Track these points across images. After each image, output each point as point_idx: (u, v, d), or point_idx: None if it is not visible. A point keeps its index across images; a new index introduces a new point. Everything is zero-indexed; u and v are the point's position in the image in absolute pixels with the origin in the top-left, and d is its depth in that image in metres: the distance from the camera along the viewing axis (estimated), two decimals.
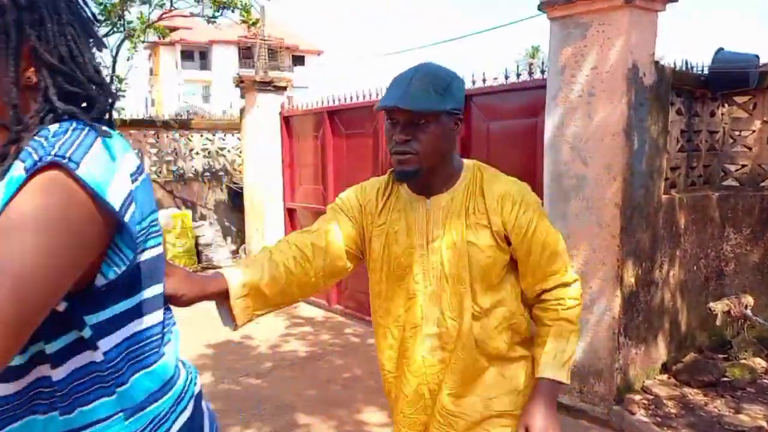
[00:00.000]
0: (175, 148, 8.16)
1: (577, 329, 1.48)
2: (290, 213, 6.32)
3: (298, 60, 39.59)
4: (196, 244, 7.82)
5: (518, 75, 4.00)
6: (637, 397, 3.49)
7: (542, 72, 3.79)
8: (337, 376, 4.12)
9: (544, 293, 1.47)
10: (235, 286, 1.38)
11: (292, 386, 3.96)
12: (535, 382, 1.47)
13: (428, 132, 1.36)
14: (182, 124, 8.28)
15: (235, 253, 8.11)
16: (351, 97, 5.31)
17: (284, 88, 6.29)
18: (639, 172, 3.37)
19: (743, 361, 3.86)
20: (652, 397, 3.53)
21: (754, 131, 4.20)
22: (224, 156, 8.60)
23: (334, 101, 5.53)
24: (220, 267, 7.70)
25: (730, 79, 3.95)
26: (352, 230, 1.51)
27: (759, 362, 3.88)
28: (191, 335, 5.05)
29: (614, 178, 3.27)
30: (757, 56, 4.01)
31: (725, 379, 3.68)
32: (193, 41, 36.29)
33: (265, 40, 6.43)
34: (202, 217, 8.25)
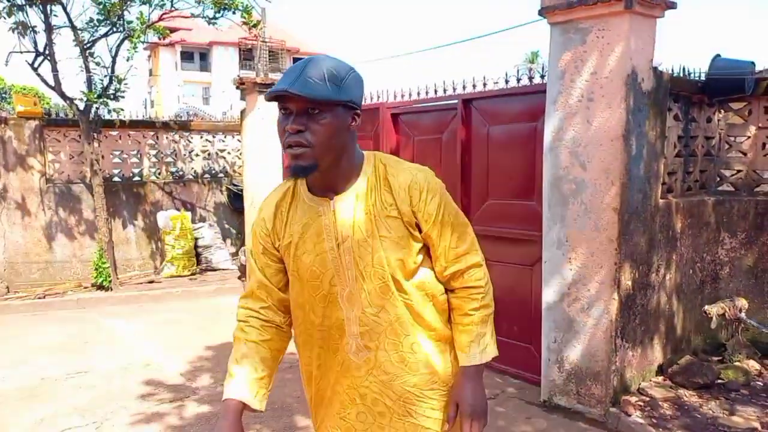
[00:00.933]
0: (174, 150, 8.18)
1: (493, 309, 1.53)
2: None
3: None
4: (196, 246, 7.84)
5: (518, 80, 4.05)
6: (633, 399, 3.53)
7: (542, 77, 3.83)
8: None
9: (457, 276, 1.48)
10: (253, 401, 1.50)
11: (291, 388, 3.97)
12: (461, 365, 1.49)
13: (322, 123, 1.31)
14: (182, 126, 8.31)
15: (234, 255, 8.13)
16: None
17: None
18: (637, 176, 3.41)
19: (737, 363, 3.90)
20: (647, 398, 3.56)
21: (749, 137, 4.25)
22: (224, 158, 8.63)
23: None
24: (219, 269, 7.78)
25: (726, 85, 4.00)
26: (273, 261, 1.51)
27: (752, 365, 3.92)
28: (191, 338, 5.08)
29: (612, 183, 3.31)
30: (752, 63, 4.07)
31: (719, 381, 3.72)
32: (193, 42, 36.31)
33: (266, 42, 6.45)
34: (202, 219, 8.27)
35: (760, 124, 4.19)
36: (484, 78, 4.17)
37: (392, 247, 1.40)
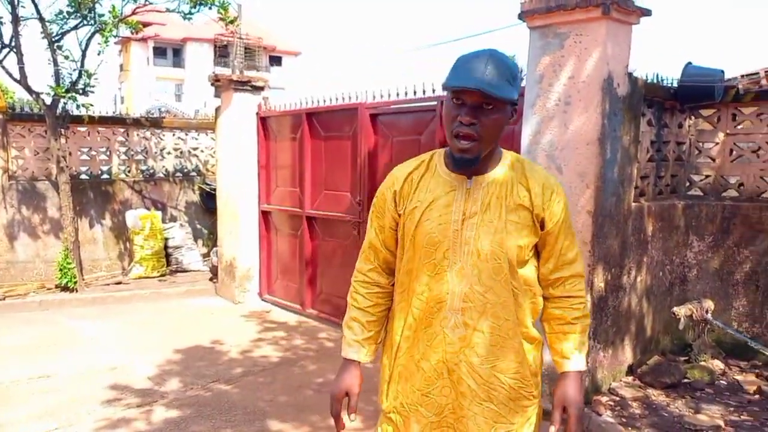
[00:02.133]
0: (145, 147, 8.00)
1: (590, 321, 1.63)
2: (265, 215, 6.26)
3: (275, 60, 39.29)
4: (166, 246, 7.68)
5: None
6: (604, 399, 3.58)
7: (521, 79, 3.86)
8: (311, 382, 4.10)
9: (560, 283, 1.57)
10: (363, 358, 1.68)
11: (264, 392, 3.92)
12: (564, 371, 1.57)
13: (492, 118, 1.41)
14: (153, 123, 8.13)
15: (206, 256, 7.99)
16: (330, 99, 5.30)
17: (261, 88, 6.24)
18: (611, 180, 3.46)
19: (703, 363, 4.00)
20: (618, 398, 3.62)
21: (717, 143, 4.36)
22: (197, 156, 8.48)
23: (313, 103, 5.52)
24: (190, 270, 7.63)
25: (697, 92, 4.09)
26: (390, 226, 1.62)
27: (717, 364, 4.02)
28: (159, 340, 4.96)
29: (587, 186, 3.35)
30: (722, 71, 4.17)
31: (686, 380, 3.80)
32: (167, 38, 35.64)
33: (242, 39, 6.36)
34: (173, 219, 8.11)
35: (728, 131, 4.30)
36: None
37: (515, 233, 1.48)
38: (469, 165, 1.46)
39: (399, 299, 1.62)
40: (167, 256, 7.70)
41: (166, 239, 7.68)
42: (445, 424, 1.55)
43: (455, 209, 1.50)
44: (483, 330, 1.50)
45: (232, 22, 6.54)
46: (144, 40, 35.41)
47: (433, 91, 4.33)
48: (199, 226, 8.36)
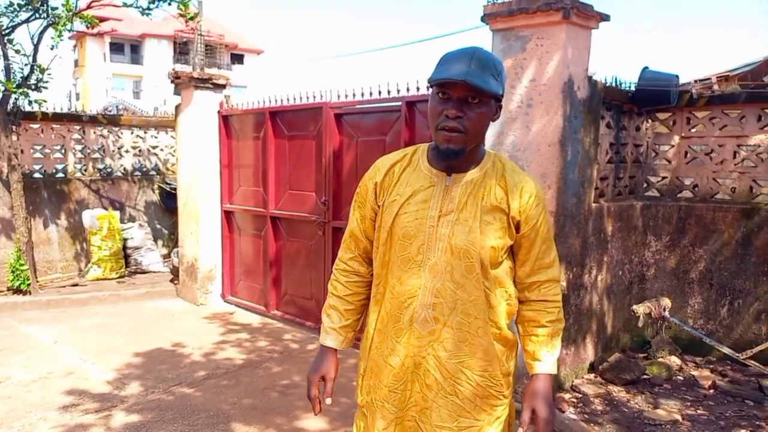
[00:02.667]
0: (102, 145, 7.76)
1: (563, 325, 1.64)
2: (228, 215, 6.15)
3: (237, 58, 38.70)
4: (125, 247, 7.46)
5: None
6: (567, 396, 3.65)
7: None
8: (275, 384, 4.05)
9: (535, 287, 1.58)
10: (340, 345, 1.71)
11: (228, 395, 3.85)
12: (535, 373, 1.59)
13: (478, 112, 1.43)
14: (111, 120, 7.89)
15: (166, 257, 7.80)
16: (295, 98, 5.24)
17: (223, 86, 6.12)
18: (572, 181, 3.53)
19: (661, 359, 4.12)
20: (580, 395, 3.70)
21: (673, 146, 4.51)
22: (156, 155, 8.27)
23: (276, 101, 5.45)
24: (149, 271, 7.44)
25: (654, 96, 4.22)
26: (370, 216, 1.64)
27: (674, 360, 4.16)
28: (118, 344, 4.82)
29: (549, 187, 3.41)
30: (677, 76, 4.31)
31: (645, 376, 3.92)
32: (124, 33, 34.67)
33: (203, 36, 6.22)
34: (131, 219, 7.89)
35: (683, 134, 4.45)
36: (428, 81, 4.19)
37: (489, 234, 1.49)
38: (455, 157, 1.46)
39: (374, 291, 1.64)
40: (126, 257, 7.49)
41: (125, 240, 7.47)
42: (408, 417, 1.57)
43: (432, 205, 1.51)
44: (452, 326, 1.51)
45: (192, 18, 6.40)
46: (100, 35, 34.36)
47: (398, 91, 4.34)
48: (159, 227, 8.15)
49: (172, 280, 6.99)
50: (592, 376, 3.99)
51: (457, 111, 1.40)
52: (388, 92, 4.41)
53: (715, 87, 4.51)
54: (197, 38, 6.21)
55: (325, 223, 4.96)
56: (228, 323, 5.52)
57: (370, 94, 4.57)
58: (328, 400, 1.66)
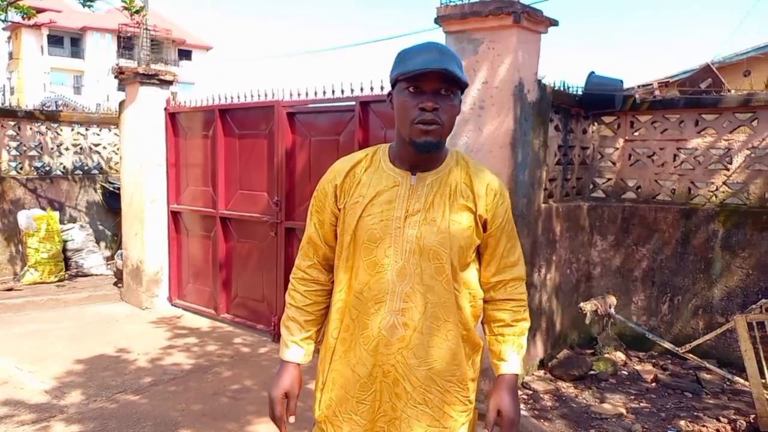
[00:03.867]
0: (40, 142, 7.37)
1: (529, 324, 1.62)
2: (175, 216, 5.96)
3: (185, 54, 37.64)
4: (65, 250, 7.11)
5: None
6: (519, 393, 3.72)
7: None
8: (226, 389, 3.94)
9: (501, 286, 1.55)
10: (302, 360, 1.62)
11: (176, 401, 3.72)
12: (500, 374, 1.55)
13: (451, 105, 1.40)
14: (49, 116, 7.51)
15: (109, 259, 7.49)
16: (245, 96, 5.13)
17: (170, 83, 5.93)
18: (523, 182, 3.60)
19: (607, 355, 4.27)
20: (531, 392, 3.78)
21: (617, 149, 4.67)
22: (99, 153, 7.93)
23: (226, 99, 5.31)
24: (92, 274, 7.13)
25: (599, 100, 4.37)
26: (329, 221, 1.57)
27: (619, 356, 4.31)
28: (58, 351, 4.58)
29: None
30: (621, 81, 4.48)
31: (592, 372, 4.04)
32: (64, 26, 33.08)
33: (149, 30, 6.01)
34: (72, 220, 7.53)
35: (626, 137, 4.63)
36: (382, 81, 4.19)
37: (458, 234, 1.45)
38: (433, 150, 1.42)
39: (336, 298, 1.55)
40: (66, 259, 7.13)
41: (65, 242, 7.11)
42: (376, 428, 1.51)
43: (398, 206, 1.46)
44: (422, 331, 1.46)
45: (138, 11, 6.18)
46: (37, 27, 32.69)
47: (352, 91, 4.31)
48: (101, 228, 7.82)
49: (115, 284, 6.72)
50: (542, 372, 4.09)
51: (433, 103, 1.36)
52: (342, 92, 4.38)
53: (657, 92, 4.71)
54: (143, 32, 6.01)
55: (277, 223, 4.88)
56: (175, 327, 5.34)
57: (324, 93, 4.53)
58: (292, 419, 1.57)
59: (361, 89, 4.26)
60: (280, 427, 1.57)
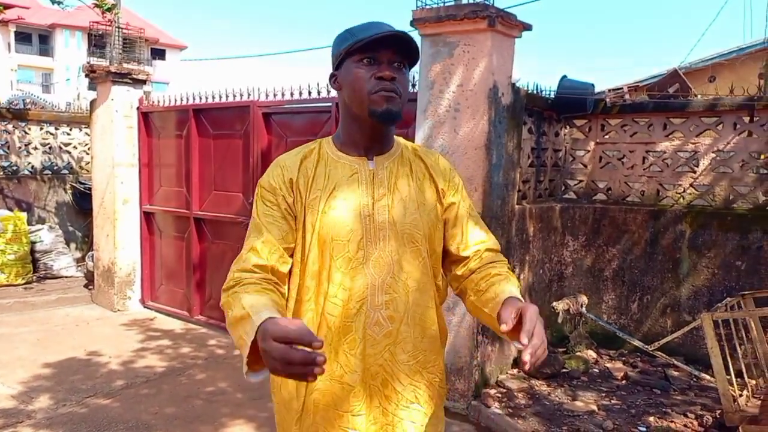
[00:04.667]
0: (6, 141, 7.19)
1: None
2: (147, 217, 5.87)
3: (159, 54, 37.03)
4: (33, 251, 6.94)
5: None
6: (493, 391, 3.77)
7: (413, 86, 3.96)
8: (200, 391, 3.90)
9: (476, 257, 1.43)
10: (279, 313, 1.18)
11: (149, 404, 3.67)
12: (510, 297, 1.29)
13: (405, 77, 1.36)
14: (17, 115, 7.33)
15: (80, 261, 7.34)
16: (220, 96, 5.09)
17: (143, 82, 5.84)
18: (497, 184, 3.65)
19: (579, 353, 4.35)
20: (505, 390, 3.83)
21: (588, 151, 4.77)
22: (69, 152, 7.77)
23: (201, 98, 5.26)
24: (61, 276, 6.98)
25: (571, 103, 4.45)
26: (281, 218, 1.36)
27: (591, 354, 4.39)
28: (25, 355, 4.48)
29: (475, 189, 3.51)
30: (592, 85, 4.57)
31: (564, 370, 4.11)
32: (32, 23, 32.35)
33: (121, 28, 5.90)
34: (41, 221, 7.36)
35: (597, 140, 4.73)
36: None
37: (428, 213, 1.40)
38: (395, 120, 1.33)
39: (304, 309, 1.37)
40: (34, 261, 6.97)
41: (33, 243, 6.95)
42: None
43: (362, 193, 1.36)
44: (409, 322, 1.36)
45: (109, 9, 6.07)
46: (4, 23, 31.85)
47: (328, 92, 4.31)
48: (72, 229, 7.66)
49: (86, 286, 6.58)
50: (515, 371, 4.14)
51: (392, 72, 1.30)
52: (318, 92, 4.38)
53: (627, 96, 4.83)
54: (115, 31, 5.89)
55: None
56: (148, 330, 5.26)
57: (300, 94, 4.52)
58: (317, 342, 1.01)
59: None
60: (308, 372, 0.99)
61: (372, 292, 1.34)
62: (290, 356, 0.99)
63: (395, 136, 1.47)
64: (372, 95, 1.30)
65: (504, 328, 1.18)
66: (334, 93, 4.26)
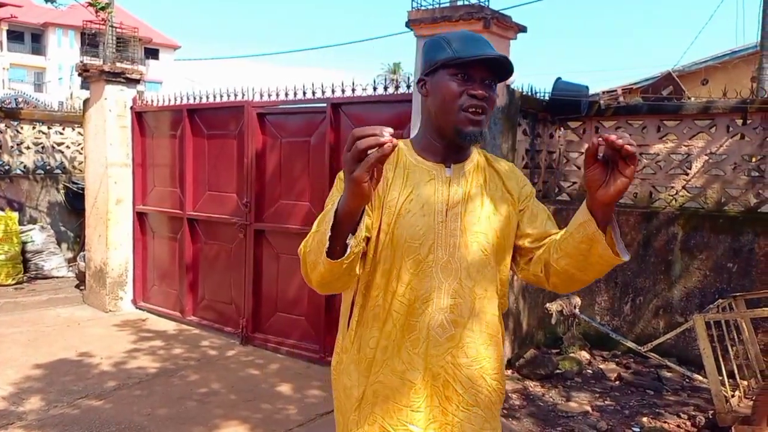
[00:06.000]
0: None
1: None
2: (140, 217, 5.84)
3: (152, 53, 36.89)
4: (24, 251, 6.89)
5: (386, 88, 4.13)
6: None
7: (408, 86, 3.96)
8: (192, 392, 3.88)
9: (555, 232, 1.44)
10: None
11: (141, 406, 3.64)
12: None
13: (494, 95, 1.38)
14: (9, 113, 7.29)
15: (71, 261, 7.29)
16: (215, 96, 5.07)
17: (137, 81, 5.81)
18: None
19: (572, 354, 4.36)
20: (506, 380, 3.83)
21: (582, 153, 4.79)
22: (62, 152, 7.72)
23: (195, 98, 5.24)
24: (52, 277, 6.93)
25: (566, 105, 4.47)
26: (367, 214, 1.35)
27: (584, 355, 4.41)
28: (16, 356, 4.44)
29: None
30: (587, 87, 4.59)
31: (558, 371, 4.13)
32: (25, 21, 32.15)
33: (115, 27, 5.87)
34: (32, 221, 7.30)
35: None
36: (353, 83, 4.20)
37: (500, 222, 1.42)
38: (478, 139, 1.37)
39: (372, 304, 1.42)
40: (25, 261, 6.92)
41: (24, 243, 6.89)
42: None
43: (437, 199, 1.39)
44: (473, 328, 1.40)
45: (103, 8, 6.04)
46: None
47: (323, 93, 4.31)
48: (63, 229, 7.60)
49: (77, 286, 6.54)
50: (510, 372, 4.15)
51: (484, 91, 1.33)
52: (313, 93, 4.37)
53: (621, 99, 4.85)
54: (108, 30, 5.86)
55: (246, 225, 4.83)
56: (140, 330, 5.23)
57: (295, 94, 4.51)
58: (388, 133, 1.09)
59: (333, 91, 4.26)
60: (379, 144, 1.08)
61: (438, 294, 1.38)
62: (359, 142, 1.09)
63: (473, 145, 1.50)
64: (460, 112, 1.34)
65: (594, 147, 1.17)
66: (329, 93, 4.26)
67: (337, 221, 1.18)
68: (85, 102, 5.97)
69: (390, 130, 1.09)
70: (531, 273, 1.46)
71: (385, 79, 4.20)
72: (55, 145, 7.66)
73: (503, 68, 1.36)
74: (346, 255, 1.19)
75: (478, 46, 1.34)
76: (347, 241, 1.20)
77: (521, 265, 1.50)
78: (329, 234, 1.18)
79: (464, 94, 1.33)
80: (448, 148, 1.42)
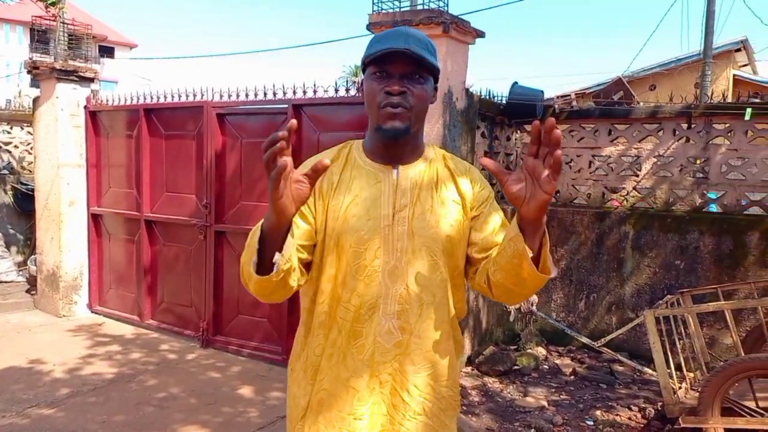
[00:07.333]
0: None
1: None
2: (95, 219, 5.67)
3: (107, 51, 35.74)
4: None
5: (347, 89, 4.15)
6: None
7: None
8: (151, 397, 3.81)
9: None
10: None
11: (96, 413, 3.55)
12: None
13: (421, 88, 1.32)
14: None
15: (21, 265, 7.02)
16: (173, 95, 4.98)
17: (91, 80, 5.65)
18: None
19: (529, 350, 4.48)
20: (459, 388, 3.91)
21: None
22: (10, 152, 7.42)
23: (152, 98, 5.13)
24: (0, 282, 6.63)
25: (522, 109, 4.59)
26: (303, 220, 1.36)
27: (541, 351, 4.54)
28: None
29: None
30: (542, 91, 4.73)
31: (516, 367, 4.24)
32: None
33: (66, 24, 5.69)
34: None
35: None
36: (314, 85, 4.20)
37: (450, 227, 1.37)
38: (401, 137, 1.32)
39: (318, 311, 1.39)
40: None
41: None
42: None
43: (384, 203, 1.35)
44: (419, 334, 1.35)
45: (54, 4, 5.85)
46: None
47: (284, 93, 4.29)
48: (12, 231, 7.31)
49: (28, 291, 6.30)
50: (469, 369, 4.23)
51: (400, 86, 1.29)
52: (274, 94, 4.35)
53: (574, 103, 5.02)
54: (59, 26, 5.67)
55: (206, 226, 4.77)
56: (96, 335, 5.09)
57: (255, 95, 4.48)
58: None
59: (294, 92, 4.25)
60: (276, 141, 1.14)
61: (385, 300, 1.35)
62: (263, 157, 1.12)
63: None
64: (380, 110, 1.32)
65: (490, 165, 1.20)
66: (290, 95, 4.25)
67: (263, 237, 1.19)
68: (35, 100, 5.77)
69: (282, 133, 1.10)
70: (476, 283, 1.42)
71: (347, 81, 4.22)
72: (2, 145, 7.36)
73: (423, 61, 1.30)
74: (274, 272, 1.19)
75: (388, 41, 1.30)
76: (273, 260, 1.19)
77: (470, 275, 1.45)
78: (257, 248, 1.19)
79: (381, 91, 1.31)
80: (386, 147, 1.38)
